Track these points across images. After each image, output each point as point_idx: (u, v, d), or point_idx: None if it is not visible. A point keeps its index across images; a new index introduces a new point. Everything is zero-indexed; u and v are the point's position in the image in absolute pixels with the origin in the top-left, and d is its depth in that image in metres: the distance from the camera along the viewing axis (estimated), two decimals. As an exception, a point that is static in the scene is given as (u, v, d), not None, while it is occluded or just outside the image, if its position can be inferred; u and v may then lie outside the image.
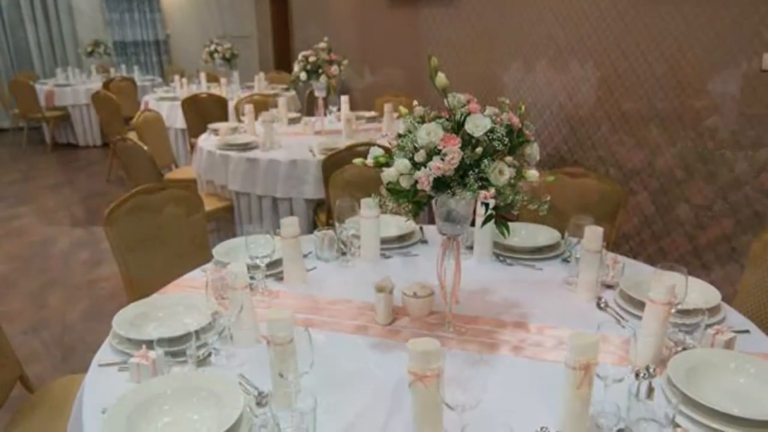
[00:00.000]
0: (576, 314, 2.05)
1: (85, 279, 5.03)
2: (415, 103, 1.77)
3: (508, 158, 1.65)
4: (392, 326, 1.98)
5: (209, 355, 1.78)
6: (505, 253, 2.51)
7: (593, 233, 2.09)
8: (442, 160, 1.58)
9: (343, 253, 2.50)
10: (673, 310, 1.71)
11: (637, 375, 1.58)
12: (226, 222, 4.82)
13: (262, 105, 6.24)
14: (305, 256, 2.41)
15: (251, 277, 2.07)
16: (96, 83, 9.63)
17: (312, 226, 4.40)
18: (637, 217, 4.25)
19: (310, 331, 1.52)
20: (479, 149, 1.60)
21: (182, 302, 2.05)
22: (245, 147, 4.60)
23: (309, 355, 1.51)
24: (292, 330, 1.52)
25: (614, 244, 3.20)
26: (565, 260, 2.45)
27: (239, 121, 5.89)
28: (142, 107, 7.32)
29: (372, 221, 2.43)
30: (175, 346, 1.71)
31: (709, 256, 3.71)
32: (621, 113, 4.33)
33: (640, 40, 4.10)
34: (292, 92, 8.29)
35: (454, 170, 1.60)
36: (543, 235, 2.62)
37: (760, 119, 3.35)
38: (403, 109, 1.78)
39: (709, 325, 1.81)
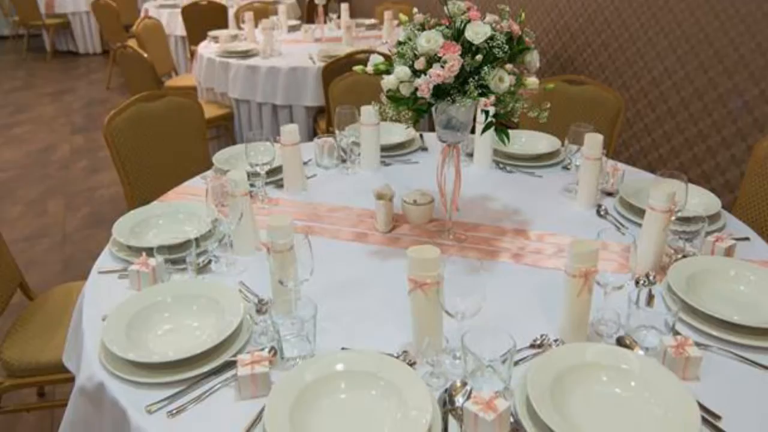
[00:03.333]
0: (576, 221, 2.05)
1: (85, 186, 5.04)
2: (415, 10, 1.75)
3: (508, 66, 1.63)
4: (392, 234, 1.98)
5: (209, 262, 1.79)
6: (505, 161, 2.50)
7: (593, 140, 2.07)
8: (442, 67, 1.56)
9: (343, 161, 2.49)
10: (673, 218, 1.71)
11: (637, 282, 1.60)
12: (226, 129, 4.81)
13: (262, 12, 6.16)
14: (305, 163, 2.40)
15: (251, 185, 2.06)
16: (96, -10, 9.45)
17: (312, 134, 4.39)
18: (637, 124, 4.21)
19: (310, 238, 1.53)
20: (479, 56, 1.58)
21: (182, 209, 2.05)
22: (245, 54, 4.57)
23: (309, 262, 1.52)
24: (292, 237, 1.51)
25: (614, 151, 3.18)
26: (565, 167, 2.44)
27: (239, 28, 5.79)
28: (142, 15, 7.20)
29: (372, 129, 2.40)
30: (175, 254, 1.71)
31: (709, 163, 3.69)
32: (621, 20, 4.23)
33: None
34: (292, -1, 8.13)
35: (454, 78, 1.58)
36: (543, 142, 2.60)
37: (760, 27, 3.27)
38: (403, 17, 1.76)
39: (709, 233, 1.82)
